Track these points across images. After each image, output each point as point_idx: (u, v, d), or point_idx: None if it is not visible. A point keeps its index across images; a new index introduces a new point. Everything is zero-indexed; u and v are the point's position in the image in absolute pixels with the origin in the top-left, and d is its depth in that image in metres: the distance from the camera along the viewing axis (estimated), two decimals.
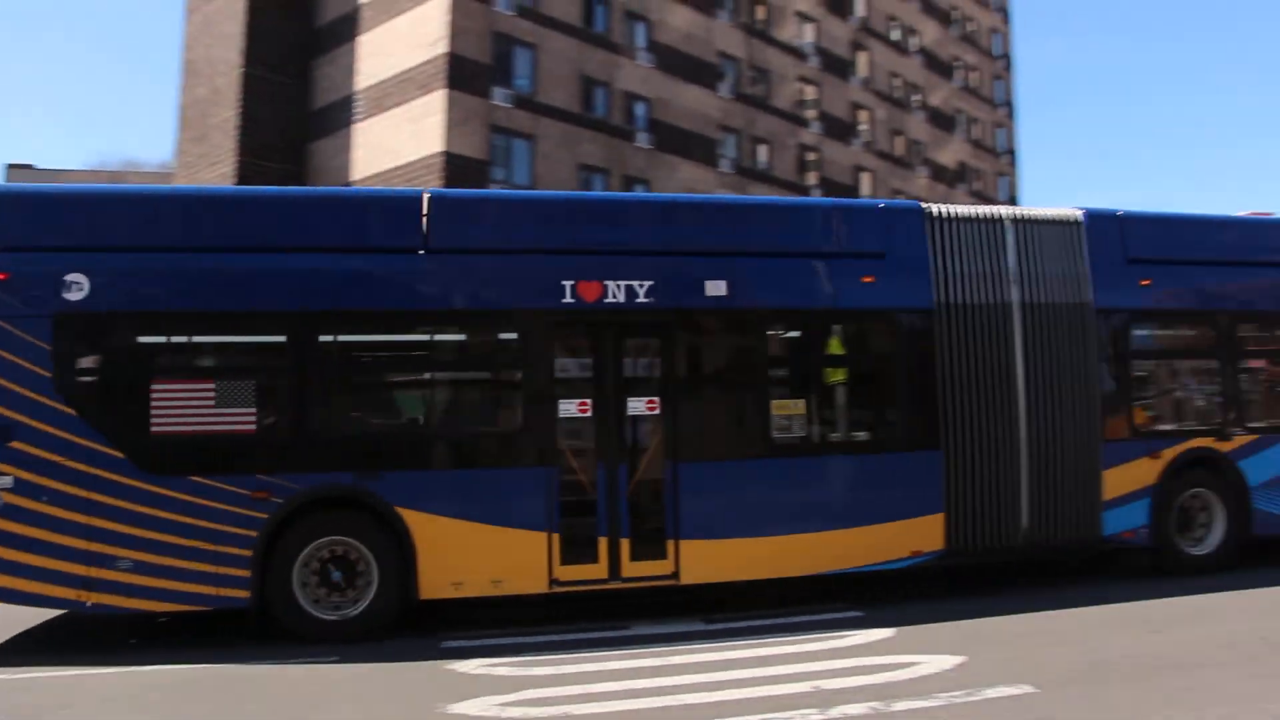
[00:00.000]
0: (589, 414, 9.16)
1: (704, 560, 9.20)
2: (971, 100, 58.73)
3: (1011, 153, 62.55)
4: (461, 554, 8.72)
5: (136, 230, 8.62)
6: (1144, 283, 10.82)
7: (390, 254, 8.99)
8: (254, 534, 8.32)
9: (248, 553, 8.29)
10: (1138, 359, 10.96)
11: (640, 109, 36.73)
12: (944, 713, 6.03)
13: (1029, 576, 10.60)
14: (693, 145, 38.40)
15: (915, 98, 53.29)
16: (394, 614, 8.64)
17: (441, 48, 30.89)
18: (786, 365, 10.30)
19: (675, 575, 9.18)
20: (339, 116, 34.11)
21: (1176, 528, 10.63)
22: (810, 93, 45.60)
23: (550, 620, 9.11)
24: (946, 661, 7.15)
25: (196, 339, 8.84)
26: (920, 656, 7.32)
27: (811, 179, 44.79)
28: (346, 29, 34.47)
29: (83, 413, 8.22)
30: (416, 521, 8.60)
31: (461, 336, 9.52)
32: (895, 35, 52.14)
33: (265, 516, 8.35)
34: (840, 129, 46.90)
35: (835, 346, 10.24)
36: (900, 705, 6.17)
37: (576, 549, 8.98)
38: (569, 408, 9.10)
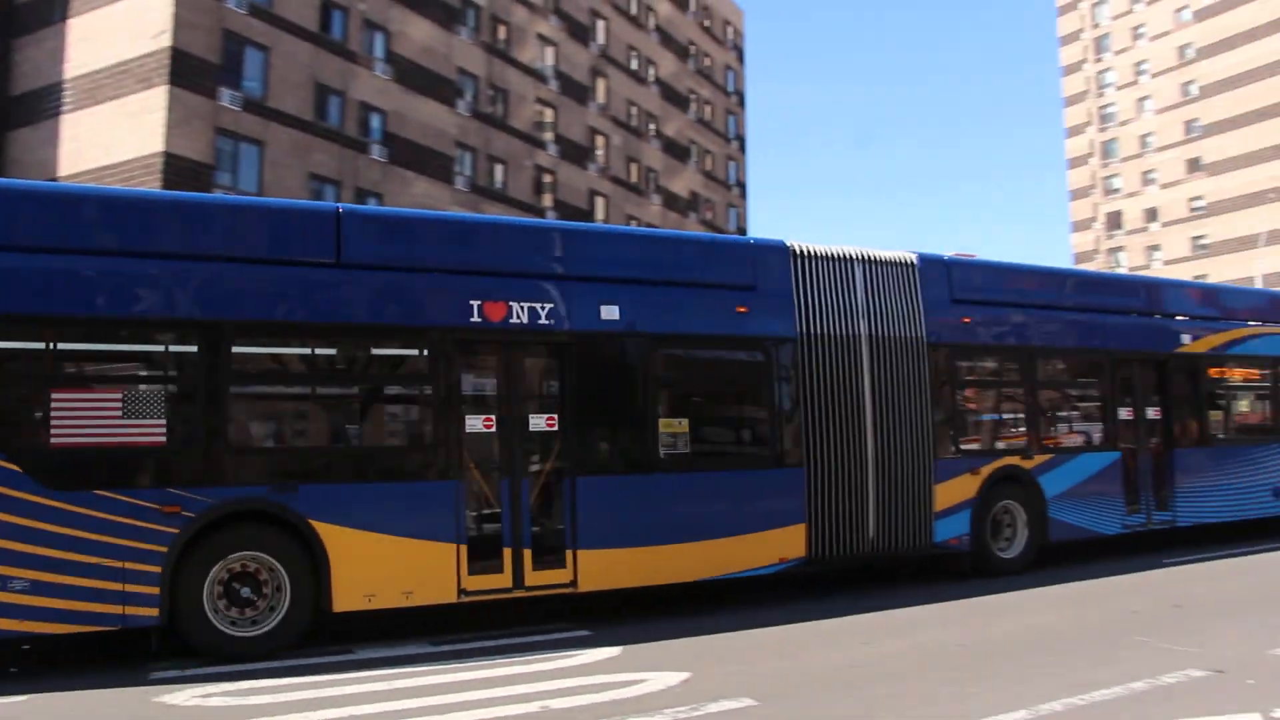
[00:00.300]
0: (493, 429, 9.44)
1: (599, 569, 9.65)
2: (705, 133, 61.07)
3: (741, 185, 65.42)
4: (374, 567, 8.72)
5: (37, 228, 8.04)
6: (965, 320, 12.35)
7: (303, 266, 8.86)
8: (164, 549, 7.94)
9: (157, 569, 7.91)
10: (961, 387, 12.56)
11: (376, 121, 35.93)
12: None
13: (748, 593, 11.02)
14: (428, 161, 37.93)
15: (651, 126, 54.84)
16: (304, 629, 8.52)
17: (165, 41, 29.08)
18: (671, 386, 10.68)
19: (574, 584, 9.57)
20: (44, 105, 31.51)
21: (990, 534, 12.15)
22: (548, 115, 46.06)
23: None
24: (672, 678, 7.31)
25: (101, 347, 8.43)
26: (646, 674, 7.44)
27: (547, 201, 45.19)
28: (53, 9, 31.90)
29: None
30: (330, 534, 8.51)
31: (372, 351, 9.49)
32: (634, 65, 53.53)
33: (176, 531, 8.00)
34: (577, 153, 47.59)
35: (713, 370, 11.13)
36: None
37: (483, 560, 9.19)
38: (475, 423, 9.34)
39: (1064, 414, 13.92)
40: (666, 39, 56.81)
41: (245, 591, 8.31)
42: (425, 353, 9.27)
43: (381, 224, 9.84)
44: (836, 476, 11.04)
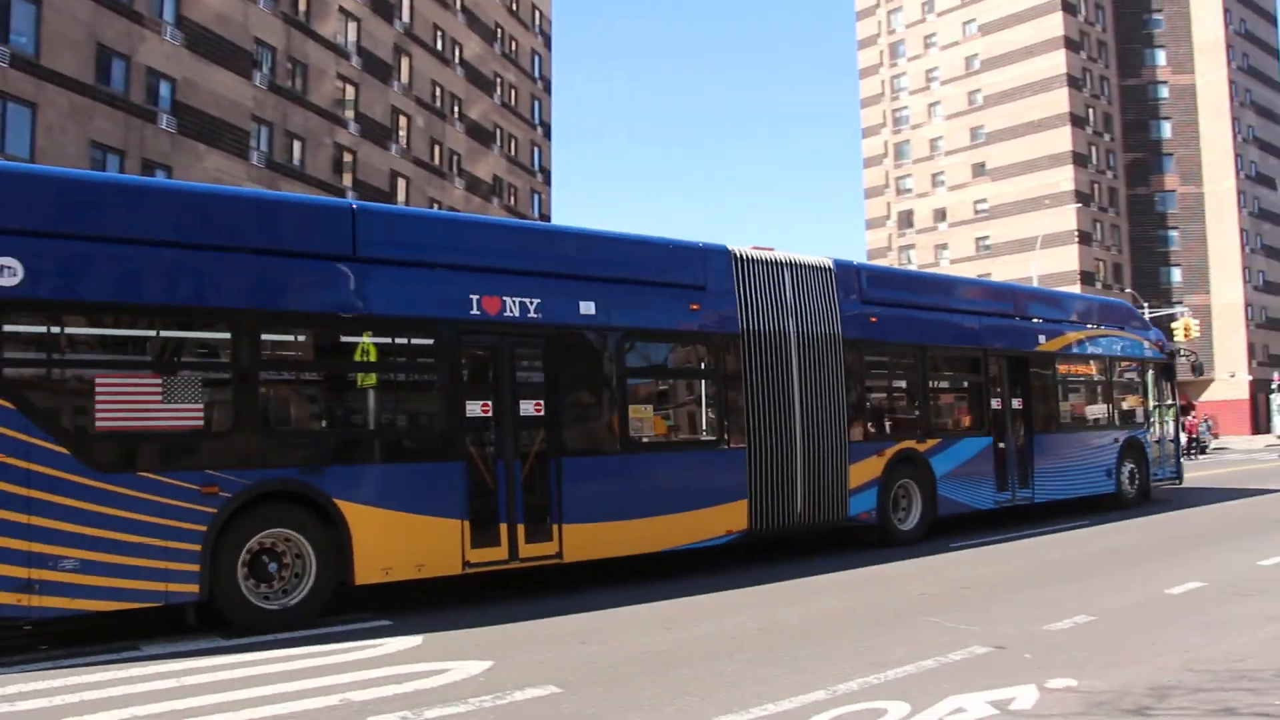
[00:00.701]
0: (490, 414, 10.19)
1: (581, 542, 10.61)
2: (510, 117, 60.65)
3: (545, 172, 65.32)
4: (391, 541, 9.39)
5: (82, 217, 8.32)
6: (872, 320, 13.99)
7: (323, 259, 9.43)
8: (204, 528, 8.37)
9: (198, 547, 8.34)
10: (868, 378, 14.16)
11: (165, 89, 34.03)
12: (473, 718, 6.09)
13: (558, 583, 11.03)
14: (221, 133, 36.24)
15: (455, 109, 54.10)
16: (326, 601, 9.08)
17: None
18: (639, 375, 11.91)
19: (559, 555, 10.49)
20: None
21: (891, 509, 13.88)
22: (350, 92, 44.82)
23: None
24: (475, 667, 7.23)
25: (141, 333, 8.78)
26: (449, 663, 7.35)
27: (346, 181, 44.01)
28: None
29: (20, 406, 7.82)
30: (353, 512, 9.16)
31: (386, 340, 9.90)
32: (439, 45, 52.65)
33: (214, 511, 8.43)
34: (379, 132, 46.50)
35: (673, 360, 12.47)
36: (430, 713, 6.15)
37: (483, 534, 9.96)
38: (474, 408, 10.09)
39: (949, 403, 15.92)
40: (473, 20, 56.10)
41: (272, 566, 8.85)
42: (431, 342, 10.01)
43: (394, 221, 10.53)
44: (772, 457, 12.40)
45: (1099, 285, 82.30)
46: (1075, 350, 17.75)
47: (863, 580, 11.14)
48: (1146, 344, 19.64)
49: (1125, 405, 19.02)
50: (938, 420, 15.23)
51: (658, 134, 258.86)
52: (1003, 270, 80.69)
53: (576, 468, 10.67)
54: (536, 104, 64.80)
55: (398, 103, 48.31)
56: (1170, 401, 20.27)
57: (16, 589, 7.64)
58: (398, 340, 10.01)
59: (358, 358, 9.72)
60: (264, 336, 9.10)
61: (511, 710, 6.23)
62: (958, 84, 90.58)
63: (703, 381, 12.54)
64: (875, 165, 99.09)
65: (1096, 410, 18.36)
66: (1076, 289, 73.91)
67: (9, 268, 7.86)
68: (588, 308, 11.00)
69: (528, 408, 10.47)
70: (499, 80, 59.31)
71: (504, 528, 10.11)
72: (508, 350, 10.43)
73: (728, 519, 11.89)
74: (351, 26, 44.85)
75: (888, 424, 14.38)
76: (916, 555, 12.84)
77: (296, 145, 41.00)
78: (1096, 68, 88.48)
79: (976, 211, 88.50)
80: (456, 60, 54.45)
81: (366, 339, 9.67)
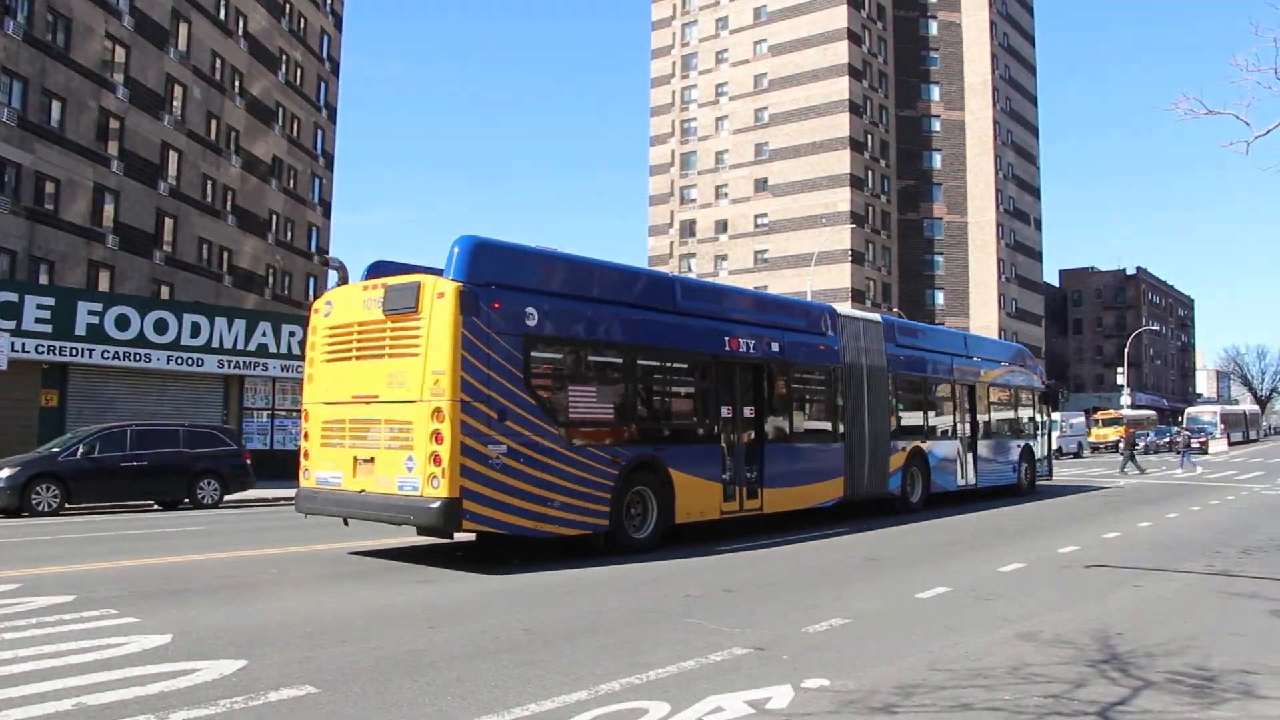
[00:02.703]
0: (731, 415, 15.83)
1: (771, 500, 16.39)
2: (294, 97, 58.53)
3: (329, 155, 63.35)
4: (692, 496, 14.65)
5: (564, 282, 13.43)
6: (901, 358, 20.80)
7: (659, 311, 14.88)
8: (612, 484, 13.30)
9: (608, 495, 13.23)
10: (900, 396, 20.82)
11: None
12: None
13: (322, 577, 10.68)
14: None
15: (236, 83, 51.84)
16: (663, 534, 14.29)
17: None
18: (805, 391, 18.16)
19: (761, 509, 16.17)
20: None
21: (910, 486, 20.56)
22: (120, 55, 42.28)
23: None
24: (227, 666, 6.93)
25: (591, 357, 13.68)
26: (200, 663, 7.02)
27: (112, 149, 41.50)
28: None
29: (540, 401, 12.53)
30: (676, 476, 14.39)
31: (685, 365, 15.52)
32: (222, 14, 50.36)
33: (616, 473, 13.39)
34: (150, 101, 44.06)
35: (810, 383, 18.32)
36: (178, 716, 5.84)
37: (728, 494, 15.48)
38: (726, 409, 15.74)
39: (937, 415, 22.29)
40: None
41: (633, 510, 13.89)
42: (706, 366, 15.65)
43: (691, 287, 16.33)
44: (851, 450, 18.66)
45: (868, 303, 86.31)
46: (1001, 381, 25.24)
47: (631, 581, 11.28)
48: (1037, 378, 27.64)
49: (1024, 421, 26.48)
50: (935, 425, 22.00)
51: (449, 128, 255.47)
52: (779, 284, 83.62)
53: (773, 451, 16.53)
54: (323, 85, 62.79)
55: (173, 71, 45.89)
56: (1048, 420, 28.38)
57: (532, 518, 12.28)
58: (690, 365, 15.53)
59: (674, 376, 15.45)
60: (638, 361, 14.32)
61: (265, 712, 5.99)
62: (746, 100, 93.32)
63: (824, 397, 18.47)
64: (661, 173, 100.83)
65: (1010, 424, 25.73)
66: (848, 305, 77.13)
67: (530, 312, 12.52)
68: (777, 348, 17.01)
69: (748, 411, 16.17)
70: (285, 57, 57.18)
71: (737, 489, 15.66)
72: (739, 373, 16.09)
73: (836, 489, 18.18)
74: None
75: (910, 427, 20.96)
76: (688, 556, 13.13)
77: (55, 105, 38.36)
78: (876, 97, 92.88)
79: (757, 225, 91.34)
80: (240, 32, 52.20)
81: (675, 364, 15.33)
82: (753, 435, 16.12)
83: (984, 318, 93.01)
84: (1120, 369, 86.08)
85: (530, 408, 12.27)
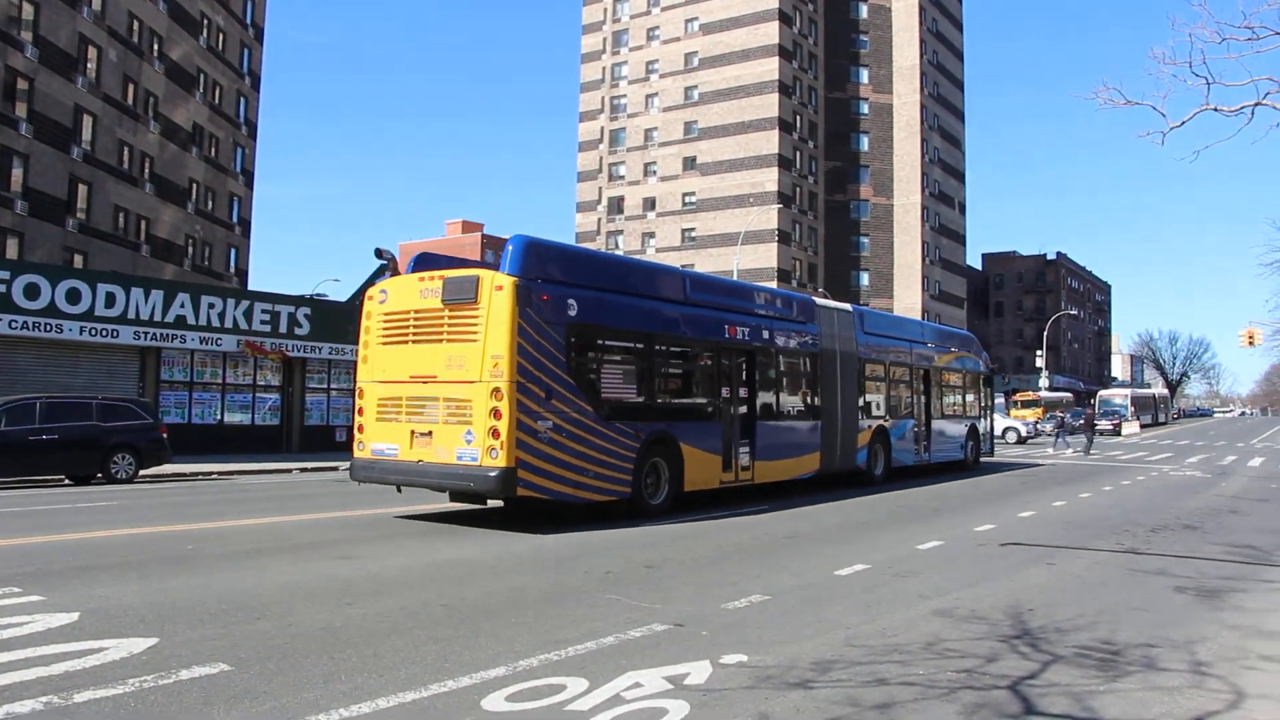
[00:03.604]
0: (729, 395, 17.57)
1: (761, 471, 18.20)
2: (216, 63, 57.17)
3: (251, 124, 62.04)
4: (698, 468, 16.35)
5: (596, 277, 15.14)
6: (868, 346, 22.75)
7: (671, 302, 16.59)
8: (634, 455, 14.91)
9: (630, 466, 14.84)
10: (867, 380, 22.61)
11: None
12: (133, 700, 5.70)
13: (237, 554, 10.51)
14: None
15: (155, 46, 50.49)
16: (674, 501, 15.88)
17: None
18: (789, 375, 20.01)
19: (752, 479, 17.97)
20: None
21: (873, 463, 22.49)
22: (27, 11, 40.91)
23: None
24: (137, 645, 6.79)
25: (618, 343, 15.45)
26: (108, 641, 6.87)
27: (20, 110, 40.22)
28: None
29: (579, 382, 14.14)
30: (685, 450, 16.06)
31: (693, 350, 17.30)
32: None
33: (638, 445, 14.99)
34: (62, 61, 42.73)
35: (794, 367, 20.20)
36: (83, 696, 5.71)
37: (726, 465, 17.21)
38: (725, 390, 17.48)
39: (900, 396, 24.56)
40: None
41: (649, 480, 15.39)
42: (711, 351, 17.39)
43: (697, 280, 18.04)
44: (828, 427, 20.65)
45: (794, 283, 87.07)
46: (952, 365, 27.78)
47: (544, 559, 11.27)
48: (982, 363, 30.23)
49: (971, 403, 29.16)
50: (897, 406, 24.15)
51: (374, 97, 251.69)
52: (706, 262, 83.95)
53: (763, 427, 18.40)
54: (246, 52, 61.39)
55: (87, 31, 44.55)
56: (991, 402, 31.33)
57: (572, 485, 13.90)
58: (699, 350, 17.30)
59: (684, 360, 17.24)
60: (656, 346, 16.06)
61: (176, 691, 5.88)
62: (676, 78, 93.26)
63: (805, 379, 20.33)
64: (590, 150, 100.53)
65: (959, 405, 28.42)
66: (774, 285, 77.73)
67: (571, 303, 14.09)
68: (765, 335, 18.81)
69: (743, 392, 18.01)
70: (206, 21, 55.80)
71: (734, 461, 17.38)
72: (735, 359, 17.85)
73: (813, 462, 20.09)
74: None
75: (875, 409, 22.94)
76: (612, 534, 13.17)
77: None
78: (806, 78, 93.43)
79: (685, 203, 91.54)
80: None
81: (689, 349, 17.22)
82: (746, 413, 17.98)
83: (908, 299, 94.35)
84: (1039, 352, 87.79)
85: (571, 388, 13.93)
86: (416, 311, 14.25)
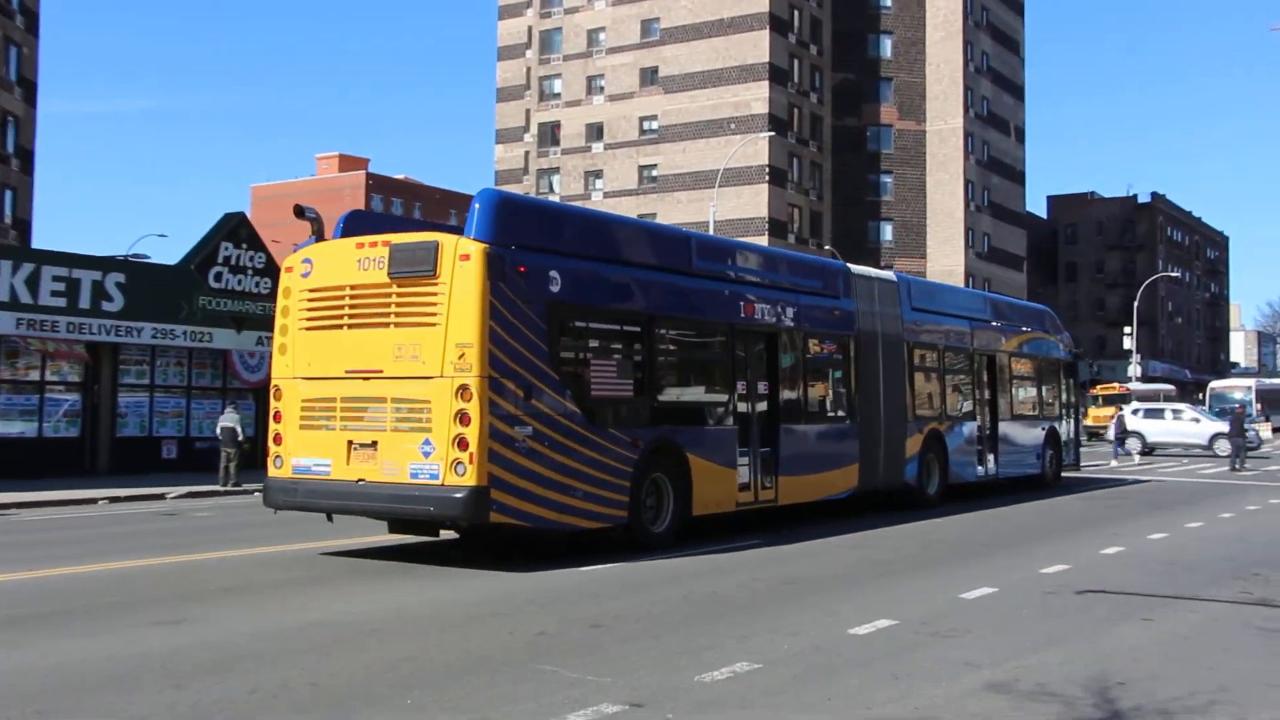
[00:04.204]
0: (746, 392, 18.59)
1: (788, 490, 19.18)
2: None
3: (30, 12, 60.81)
4: (709, 485, 17.25)
5: (582, 241, 16.12)
6: (918, 325, 23.99)
7: (674, 273, 17.55)
8: (631, 469, 15.60)
9: (627, 483, 15.55)
10: (916, 368, 23.88)
11: None
12: None
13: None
14: None
15: None
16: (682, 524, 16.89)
17: None
18: (820, 365, 21.41)
19: (775, 500, 18.92)
20: None
21: (925, 478, 23.53)
22: None
23: None
24: None
25: (610, 327, 16.66)
26: None
27: None
28: None
29: (563, 377, 15.00)
30: (694, 462, 16.90)
31: (701, 334, 18.58)
32: None
33: (636, 457, 15.71)
34: None
35: (829, 355, 21.61)
36: None
37: (743, 482, 18.12)
38: (740, 385, 18.46)
39: (959, 391, 25.85)
40: None
41: (648, 501, 16.22)
42: (722, 337, 18.51)
43: (705, 244, 19.58)
44: (868, 432, 21.70)
45: (792, 238, 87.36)
46: (1024, 350, 29.12)
47: (460, 616, 11.17)
48: (1063, 346, 31.70)
49: (1049, 399, 30.41)
50: (952, 406, 25.27)
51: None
52: (672, 211, 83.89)
53: (789, 433, 19.29)
54: None
55: None
56: (1075, 397, 32.80)
57: (555, 509, 14.64)
58: (708, 333, 18.50)
59: (690, 347, 18.56)
60: (657, 330, 17.04)
61: None
62: None
63: (839, 369, 21.66)
64: (513, 58, 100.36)
65: (1034, 402, 29.85)
66: (764, 240, 77.88)
67: (554, 276, 14.84)
68: (791, 314, 19.74)
69: (762, 387, 18.95)
70: None
71: (752, 477, 18.37)
72: (753, 344, 18.92)
73: (850, 478, 21.19)
74: None
75: (925, 408, 24.18)
76: (546, 581, 13.11)
77: None
78: None
79: (644, 132, 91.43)
80: None
81: (696, 332, 18.38)
82: (767, 415, 18.94)
83: (945, 259, 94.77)
84: (1127, 330, 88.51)
85: (555, 384, 14.70)
86: (354, 288, 14.73)
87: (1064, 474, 30.72)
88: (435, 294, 13.95)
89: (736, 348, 18.39)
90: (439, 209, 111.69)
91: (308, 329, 15.14)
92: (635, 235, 17.78)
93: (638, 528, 15.76)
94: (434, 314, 13.93)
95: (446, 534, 16.01)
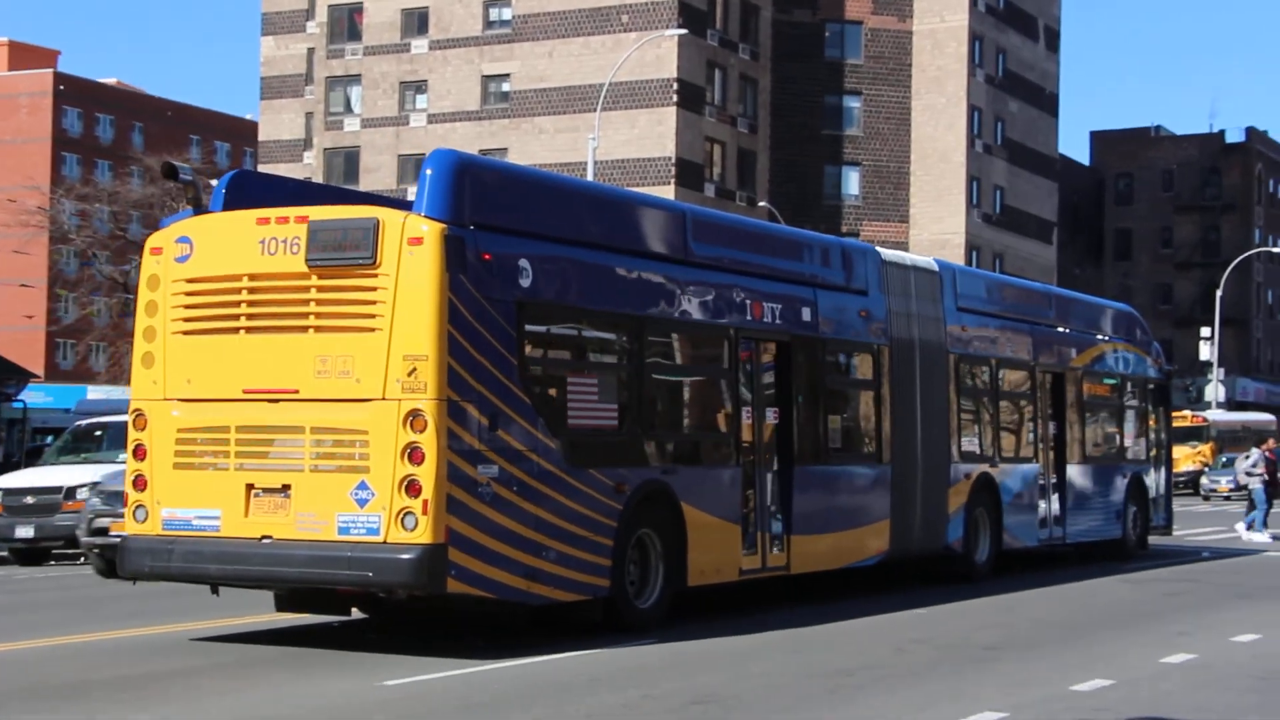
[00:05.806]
0: (752, 420, 20.25)
1: (802, 553, 20.75)
2: None
3: None
4: (707, 545, 18.67)
5: (555, 219, 17.27)
6: (967, 331, 25.96)
7: (667, 261, 18.97)
8: (614, 524, 16.72)
9: (609, 541, 16.64)
10: (963, 391, 26.07)
11: None
12: None
13: None
14: None
15: None
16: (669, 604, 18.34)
17: None
18: (841, 384, 23.92)
19: (787, 567, 20.51)
20: None
21: (972, 541, 25.30)
22: None
23: None
24: None
25: (593, 334, 18.34)
26: None
27: None
28: None
29: (535, 400, 16.06)
30: (690, 515, 18.26)
31: (700, 343, 20.81)
32: None
33: (620, 507, 16.85)
34: None
35: (854, 371, 24.26)
36: None
37: (748, 541, 19.83)
38: (745, 410, 20.19)
39: (1016, 422, 28.40)
40: None
41: (632, 565, 17.49)
42: (725, 347, 20.01)
43: (706, 222, 21.55)
44: (902, 477, 23.33)
45: (711, 189, 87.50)
46: (1102, 366, 31.81)
47: None
48: (1151, 361, 33.90)
49: (1131, 434, 32.75)
50: (1003, 444, 27.42)
51: None
52: (532, 147, 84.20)
53: (804, 477, 20.82)
54: None
55: None
56: (1167, 432, 35.03)
57: (523, 575, 15.62)
58: (708, 342, 20.40)
59: (686, 360, 20.37)
60: (647, 338, 18.20)
61: None
62: None
63: (865, 389, 23.61)
64: None
65: (1114, 438, 32.27)
66: (670, 193, 78.26)
67: (524, 267, 16.01)
68: (808, 315, 21.32)
69: (771, 414, 20.58)
70: None
71: (759, 535, 19.92)
72: (761, 356, 20.58)
73: (879, 538, 22.72)
74: None
75: (973, 443, 26.30)
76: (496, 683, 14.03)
77: None
78: None
79: (490, 23, 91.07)
80: None
81: (693, 341, 20.40)
82: (778, 451, 20.64)
83: (937, 223, 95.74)
84: (1206, 332, 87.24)
85: (525, 410, 15.85)
86: (255, 278, 15.48)
87: (1150, 538, 32.37)
88: (374, 289, 14.64)
89: (742, 360, 19.74)
90: (174, 133, 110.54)
91: (186, 333, 15.64)
92: (616, 209, 19.18)
93: (621, 601, 16.80)
94: (372, 316, 14.62)
95: (359, 613, 16.80)
